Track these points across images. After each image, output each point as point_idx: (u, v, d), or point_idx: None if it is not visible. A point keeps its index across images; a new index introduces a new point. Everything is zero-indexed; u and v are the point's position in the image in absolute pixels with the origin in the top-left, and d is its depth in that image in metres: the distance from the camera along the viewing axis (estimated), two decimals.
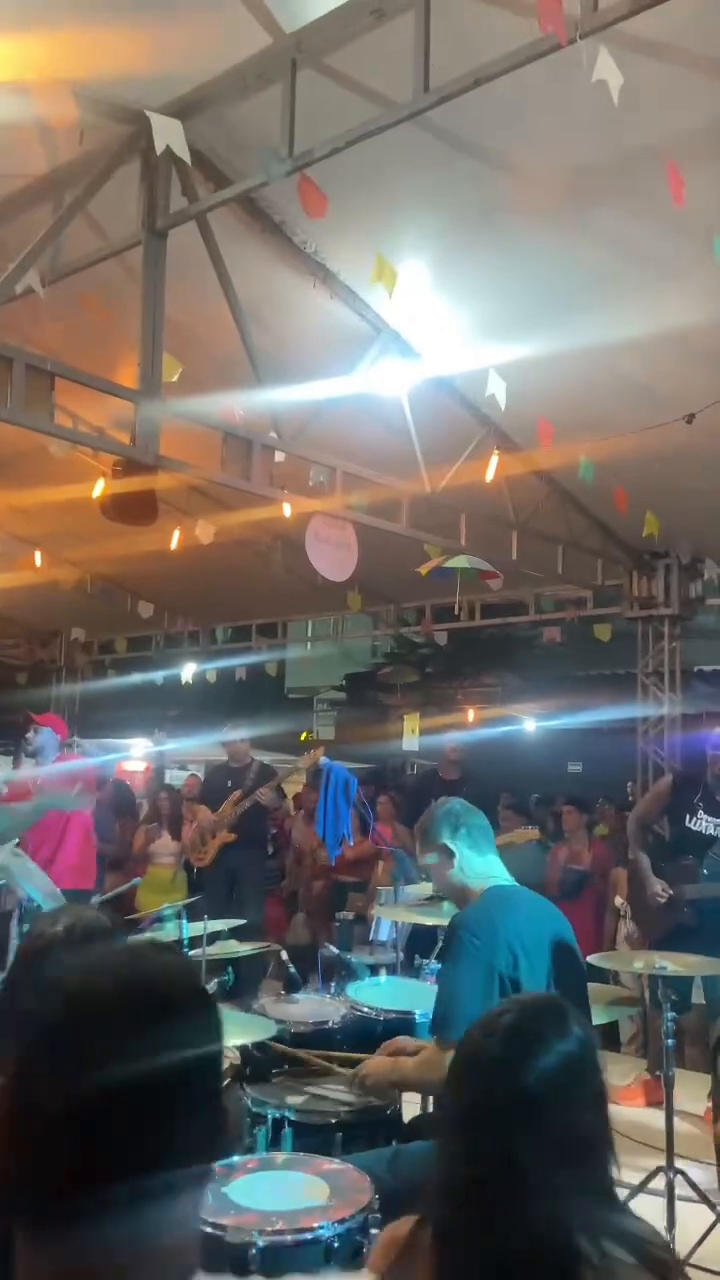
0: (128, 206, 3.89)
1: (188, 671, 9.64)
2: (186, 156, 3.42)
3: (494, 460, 5.19)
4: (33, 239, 3.79)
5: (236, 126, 3.76)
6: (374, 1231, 1.82)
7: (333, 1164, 2.08)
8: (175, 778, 11.64)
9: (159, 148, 3.33)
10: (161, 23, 3.16)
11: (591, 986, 2.64)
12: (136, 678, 10.28)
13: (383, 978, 3.29)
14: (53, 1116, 0.75)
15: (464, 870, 2.41)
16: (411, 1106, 2.91)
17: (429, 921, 3.38)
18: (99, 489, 5.17)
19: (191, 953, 2.58)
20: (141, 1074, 0.77)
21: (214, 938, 2.84)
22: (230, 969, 2.92)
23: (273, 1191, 1.93)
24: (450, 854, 2.40)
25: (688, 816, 4.59)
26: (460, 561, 5.52)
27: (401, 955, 3.81)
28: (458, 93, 2.99)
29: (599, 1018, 2.79)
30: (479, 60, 2.94)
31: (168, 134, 3.30)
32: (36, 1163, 0.75)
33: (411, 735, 8.25)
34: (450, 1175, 1.16)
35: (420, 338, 4.80)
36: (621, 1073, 2.71)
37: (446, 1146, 1.19)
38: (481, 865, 2.41)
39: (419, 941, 4.14)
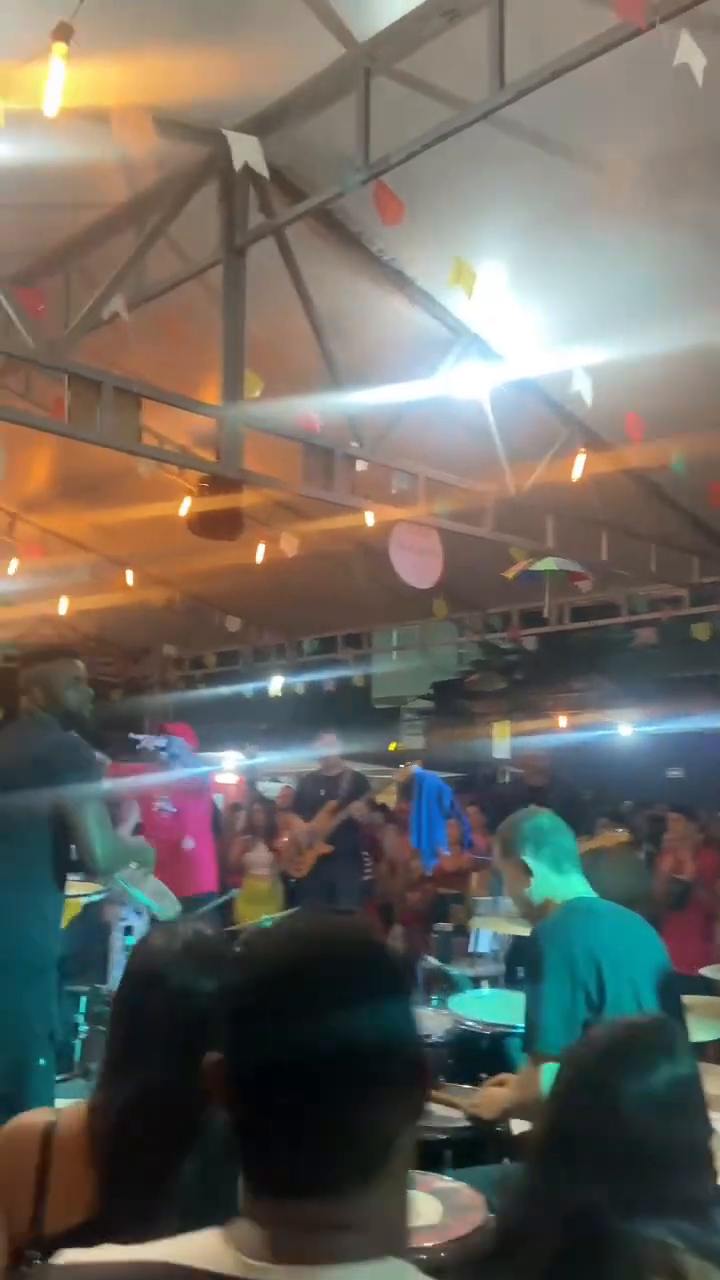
0: (206, 226, 3.95)
1: (276, 684, 9.72)
2: (265, 172, 3.45)
3: (580, 459, 5.08)
4: (115, 265, 3.88)
5: (311, 139, 3.77)
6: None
7: (445, 1182, 2.03)
8: (268, 790, 11.75)
9: (237, 165, 3.37)
10: (235, 41, 3.19)
11: (703, 1000, 2.54)
12: (226, 691, 10.42)
13: (485, 990, 3.23)
14: (268, 1086, 0.80)
15: (540, 888, 2.35)
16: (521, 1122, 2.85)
17: (526, 932, 3.30)
18: (186, 506, 5.28)
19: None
20: (346, 1036, 0.80)
21: None
22: None
23: None
24: (528, 871, 2.34)
25: None
26: (548, 564, 5.43)
27: (504, 966, 3.74)
28: (534, 87, 2.95)
29: (713, 1032, 2.68)
30: (555, 53, 2.89)
31: (246, 151, 3.33)
32: (261, 1126, 0.81)
33: (502, 742, 8.15)
34: (547, 1189, 1.14)
35: (501, 339, 4.74)
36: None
37: (544, 1160, 1.18)
38: (560, 883, 2.34)
39: (521, 953, 4.05)
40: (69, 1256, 0.89)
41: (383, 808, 6.88)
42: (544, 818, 2.47)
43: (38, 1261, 1.34)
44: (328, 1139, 0.80)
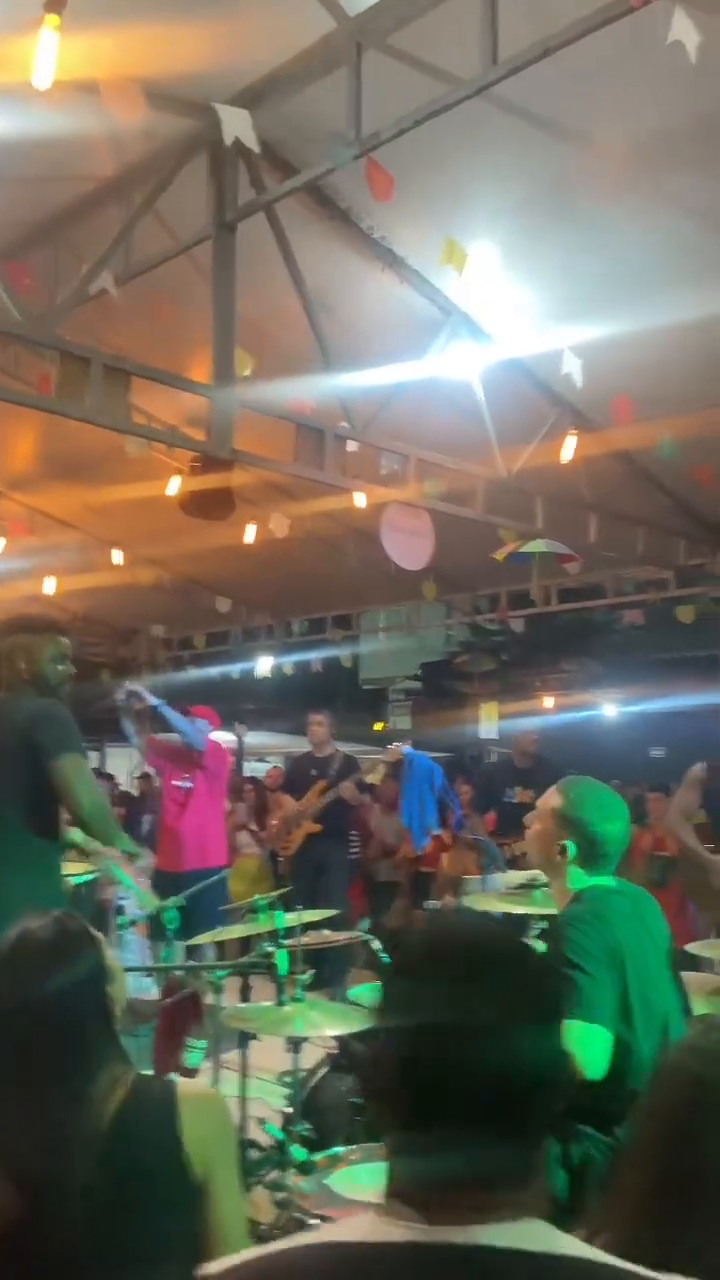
0: (196, 202, 3.91)
1: (264, 664, 9.72)
2: (255, 146, 3.41)
3: (570, 440, 5.08)
4: (103, 240, 3.84)
5: (302, 113, 3.74)
6: None
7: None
8: (255, 769, 11.78)
9: (228, 139, 3.33)
10: (227, 14, 3.15)
11: (693, 976, 2.56)
12: (215, 671, 10.42)
13: None
14: (439, 1087, 0.85)
15: (570, 873, 2.29)
16: None
17: (519, 910, 3.33)
18: (175, 486, 5.25)
19: (286, 942, 2.59)
20: (513, 1039, 0.86)
21: (306, 928, 2.85)
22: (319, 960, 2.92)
23: (376, 1183, 1.92)
24: (563, 852, 2.27)
25: None
26: (537, 546, 5.44)
27: None
28: (527, 64, 2.93)
29: (701, 1008, 2.70)
30: (547, 29, 2.87)
31: (236, 125, 3.30)
32: (424, 1123, 0.86)
33: (490, 723, 8.18)
34: (640, 1190, 1.14)
35: (491, 319, 4.73)
36: None
37: (641, 1153, 1.17)
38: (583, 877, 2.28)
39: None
40: (234, 1261, 0.93)
41: (370, 787, 6.91)
42: (617, 824, 2.32)
43: None
44: (490, 1139, 0.84)
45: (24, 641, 2.99)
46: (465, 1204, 0.84)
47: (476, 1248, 0.82)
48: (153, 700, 5.22)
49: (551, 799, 2.34)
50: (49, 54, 2.44)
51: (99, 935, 1.52)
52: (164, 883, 4.25)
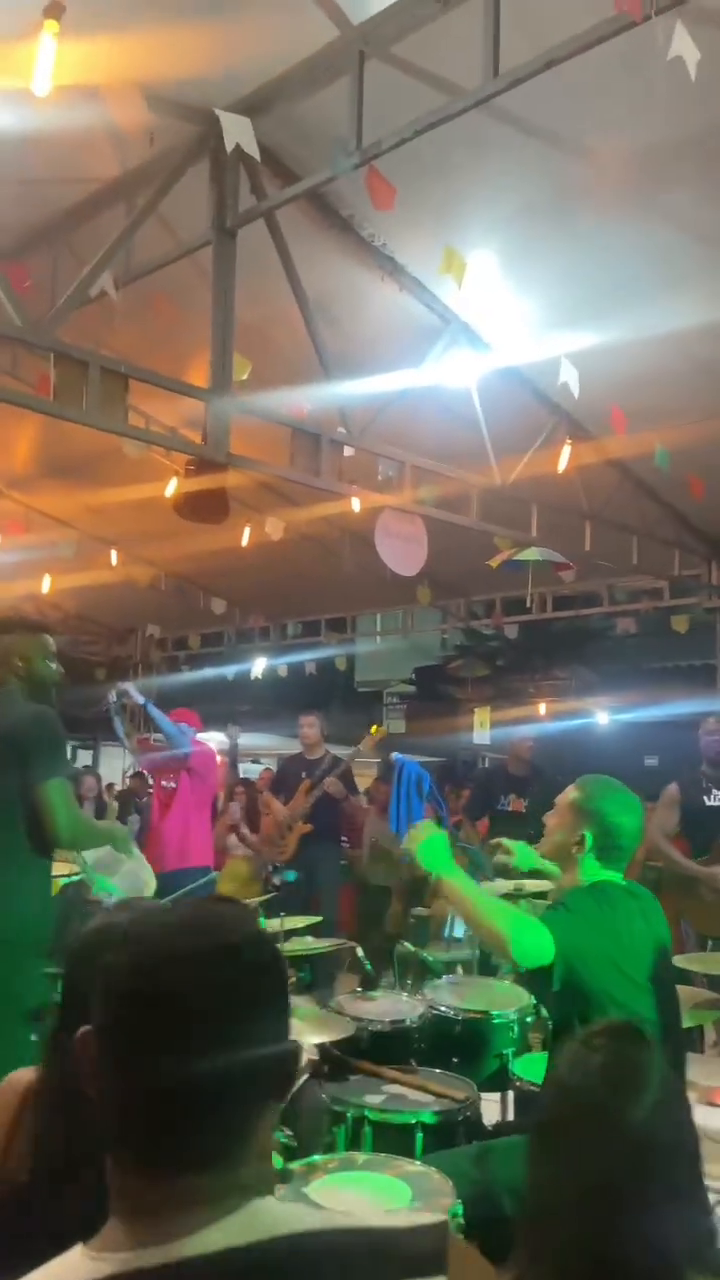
0: (197, 206, 3.92)
1: (258, 666, 9.73)
2: (256, 154, 3.42)
3: (566, 450, 5.10)
4: (104, 242, 3.85)
5: (304, 121, 3.75)
6: (455, 1236, 1.80)
7: (414, 1166, 2.07)
8: (248, 771, 11.77)
9: (229, 146, 3.34)
10: (230, 21, 3.16)
11: (681, 990, 2.57)
12: (209, 672, 10.42)
13: (459, 976, 3.26)
14: (144, 1062, 0.83)
15: (584, 865, 2.33)
16: (491, 1106, 2.89)
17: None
18: (172, 488, 5.26)
19: None
20: (219, 1015, 0.84)
21: (290, 934, 2.86)
22: (307, 965, 2.93)
23: (354, 1193, 1.93)
24: (583, 844, 2.31)
25: (705, 796, 4.85)
26: (532, 554, 5.45)
27: (477, 953, 3.78)
28: (528, 76, 2.94)
29: (688, 1020, 2.72)
30: (549, 42, 2.88)
31: (237, 132, 3.31)
32: (132, 1102, 0.83)
33: (482, 728, 8.18)
34: (548, 1203, 1.14)
35: (489, 328, 4.74)
36: (707, 1073, 2.64)
37: (544, 1176, 1.17)
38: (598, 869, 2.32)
39: None
40: None
41: (351, 783, 6.91)
42: (633, 817, 2.35)
43: None
44: (194, 1116, 0.82)
45: (18, 641, 3.00)
46: (175, 1204, 0.81)
47: (181, 1263, 0.79)
48: (139, 699, 5.27)
49: (569, 793, 2.40)
50: (48, 60, 2.44)
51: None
52: None
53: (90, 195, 4.25)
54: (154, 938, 0.88)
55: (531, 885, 3.10)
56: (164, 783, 5.59)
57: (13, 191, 4.05)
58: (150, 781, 6.38)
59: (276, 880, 5.54)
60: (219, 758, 6.72)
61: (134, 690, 5.35)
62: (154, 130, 3.53)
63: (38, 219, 4.40)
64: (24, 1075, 1.54)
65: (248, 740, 12.34)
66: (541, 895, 3.10)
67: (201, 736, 5.93)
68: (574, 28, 2.83)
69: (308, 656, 9.67)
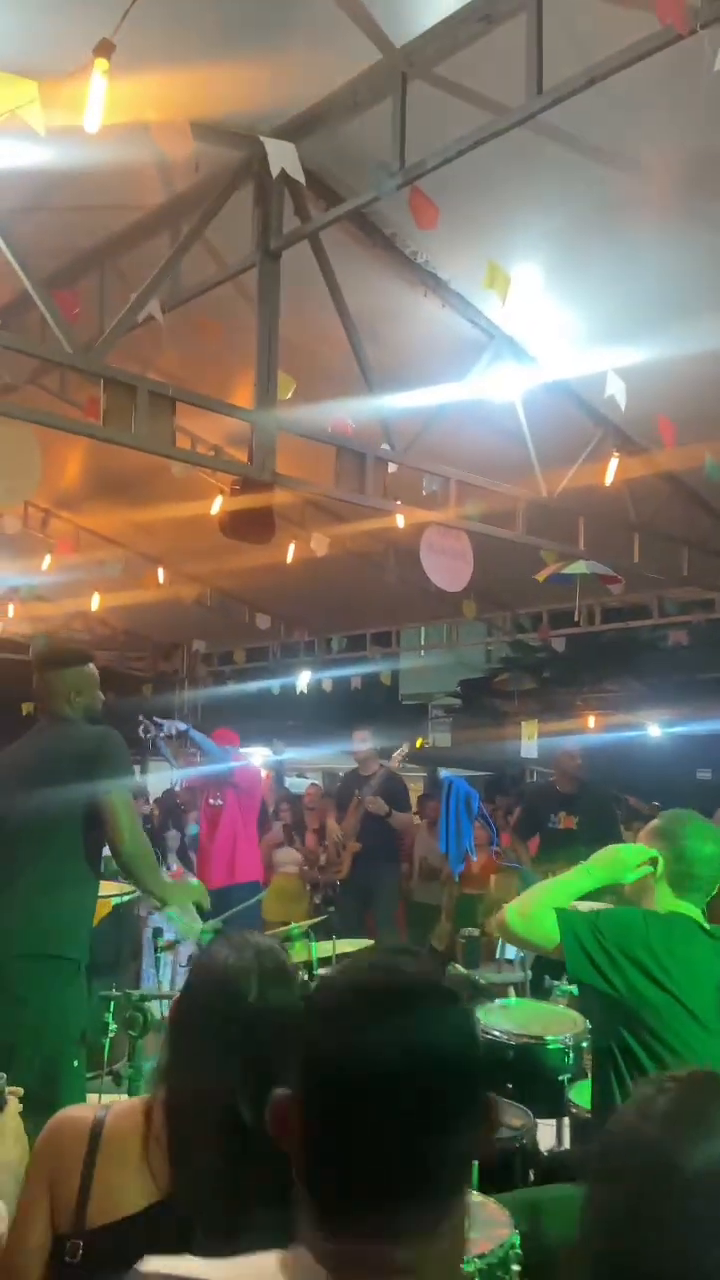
0: (241, 229, 3.96)
1: (303, 681, 9.76)
2: (301, 178, 3.45)
3: (614, 462, 5.05)
4: (150, 266, 3.90)
5: (347, 143, 3.77)
6: (515, 1268, 1.77)
7: (473, 1196, 2.04)
8: (295, 785, 11.80)
9: (274, 171, 3.37)
10: (273, 47, 3.19)
11: None
12: (254, 687, 10.48)
13: (512, 999, 3.22)
14: (354, 1133, 0.83)
15: (658, 893, 2.27)
16: (547, 1132, 2.84)
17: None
18: (217, 506, 5.30)
19: (320, 972, 2.59)
20: (427, 1082, 0.83)
21: (340, 958, 2.85)
22: None
23: None
24: (653, 862, 2.27)
25: None
26: (579, 567, 5.40)
27: (530, 975, 3.73)
28: (572, 93, 2.92)
29: None
30: (594, 58, 2.86)
31: (282, 157, 3.34)
32: (331, 1166, 0.84)
33: (530, 741, 8.11)
34: (604, 1254, 1.10)
35: (534, 341, 4.72)
36: None
37: (598, 1224, 1.13)
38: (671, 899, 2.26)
39: (548, 961, 4.02)
40: (152, 1265, 0.92)
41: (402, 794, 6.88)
42: (712, 846, 2.28)
43: (78, 1251, 1.40)
44: (398, 1182, 0.81)
45: (75, 674, 3.06)
46: (371, 1262, 0.81)
47: None
48: (180, 727, 5.34)
49: (650, 824, 2.38)
50: (99, 97, 2.48)
51: None
52: None
53: (136, 221, 4.31)
54: (353, 1006, 0.88)
55: (584, 907, 3.04)
56: (211, 800, 5.65)
57: (61, 220, 4.12)
58: (183, 799, 6.45)
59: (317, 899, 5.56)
60: (264, 773, 6.77)
61: (168, 723, 5.45)
62: (199, 157, 3.58)
63: (85, 246, 4.47)
64: (88, 1113, 1.54)
65: (293, 755, 12.37)
66: None
67: (246, 751, 6.00)
68: (618, 42, 2.81)
69: (352, 671, 9.69)
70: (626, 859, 2.27)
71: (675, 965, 2.09)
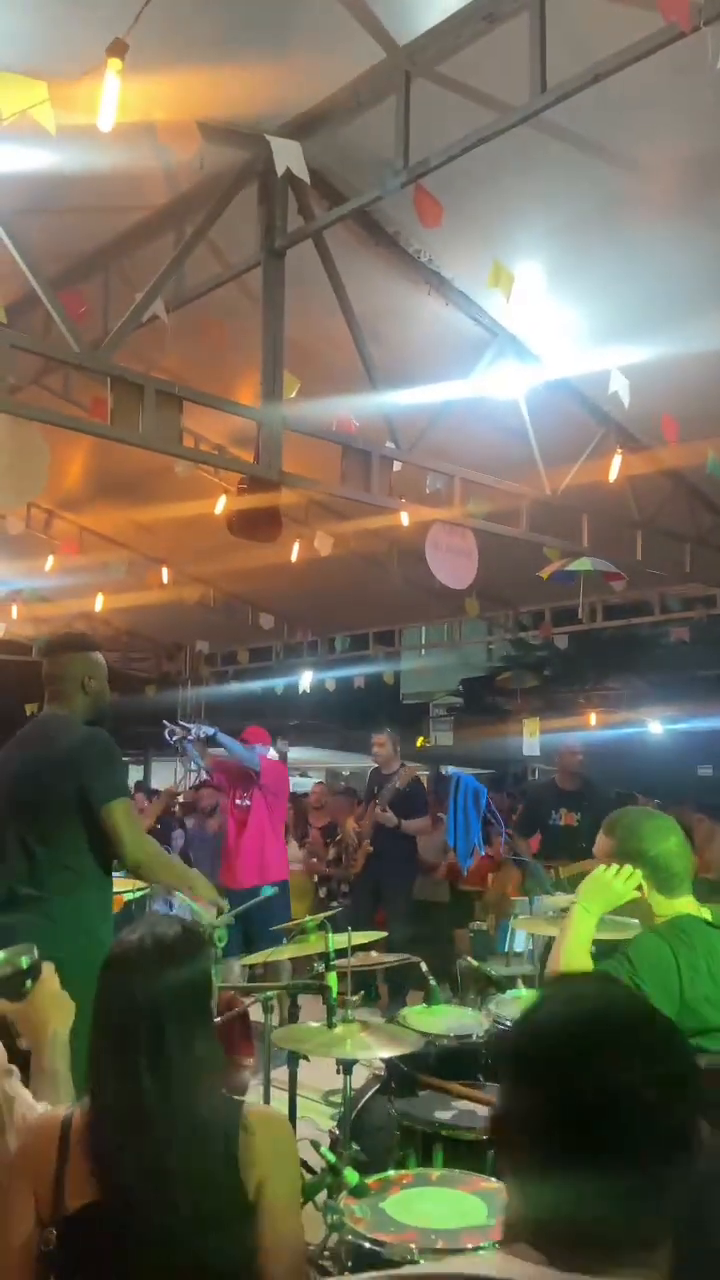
0: (244, 228, 3.98)
1: (306, 680, 9.78)
2: (306, 177, 3.47)
3: (617, 459, 5.07)
4: (154, 265, 3.92)
5: (350, 142, 3.79)
6: None
7: (490, 1182, 2.06)
8: (298, 785, 11.81)
9: (279, 171, 3.39)
10: (278, 47, 3.21)
11: None
12: (257, 686, 10.50)
13: (522, 990, 3.24)
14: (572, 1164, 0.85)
15: (655, 902, 2.27)
16: None
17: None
18: (221, 505, 5.32)
19: (336, 963, 2.61)
20: (647, 1111, 0.86)
21: (356, 950, 2.87)
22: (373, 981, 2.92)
23: (430, 1208, 1.93)
24: (640, 889, 2.26)
25: None
26: (583, 564, 5.42)
27: (538, 967, 3.75)
28: (575, 91, 2.94)
29: None
30: (597, 56, 2.88)
31: (287, 156, 3.36)
32: (549, 1179, 0.86)
33: (532, 739, 8.14)
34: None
35: (537, 339, 4.74)
36: None
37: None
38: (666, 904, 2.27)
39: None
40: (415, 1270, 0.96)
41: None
42: (676, 841, 2.31)
43: (52, 1239, 1.47)
44: (625, 1198, 0.85)
45: (88, 659, 3.07)
46: (588, 1255, 0.85)
47: None
48: (207, 731, 5.35)
49: (603, 845, 2.35)
50: (112, 97, 2.51)
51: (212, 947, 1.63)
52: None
53: (140, 221, 4.33)
54: (570, 1032, 0.91)
55: None
56: (238, 801, 5.67)
57: (67, 220, 4.14)
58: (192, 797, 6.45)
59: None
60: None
61: (196, 727, 5.48)
62: (203, 156, 3.60)
63: (90, 247, 4.49)
64: (60, 1111, 1.60)
65: (296, 754, 12.40)
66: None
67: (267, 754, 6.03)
68: (621, 40, 2.83)
69: (354, 671, 9.71)
70: (615, 884, 2.26)
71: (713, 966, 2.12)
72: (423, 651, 9.95)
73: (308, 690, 9.97)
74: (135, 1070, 1.48)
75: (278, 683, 10.31)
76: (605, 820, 2.39)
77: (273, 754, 6.24)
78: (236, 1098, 1.61)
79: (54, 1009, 1.83)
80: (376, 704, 14.64)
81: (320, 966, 2.68)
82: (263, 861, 5.47)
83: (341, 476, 4.28)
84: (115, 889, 3.09)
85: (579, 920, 2.25)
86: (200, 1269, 1.40)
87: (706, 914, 2.28)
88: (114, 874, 3.03)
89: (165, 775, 12.38)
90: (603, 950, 2.45)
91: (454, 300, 4.55)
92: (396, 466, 4.48)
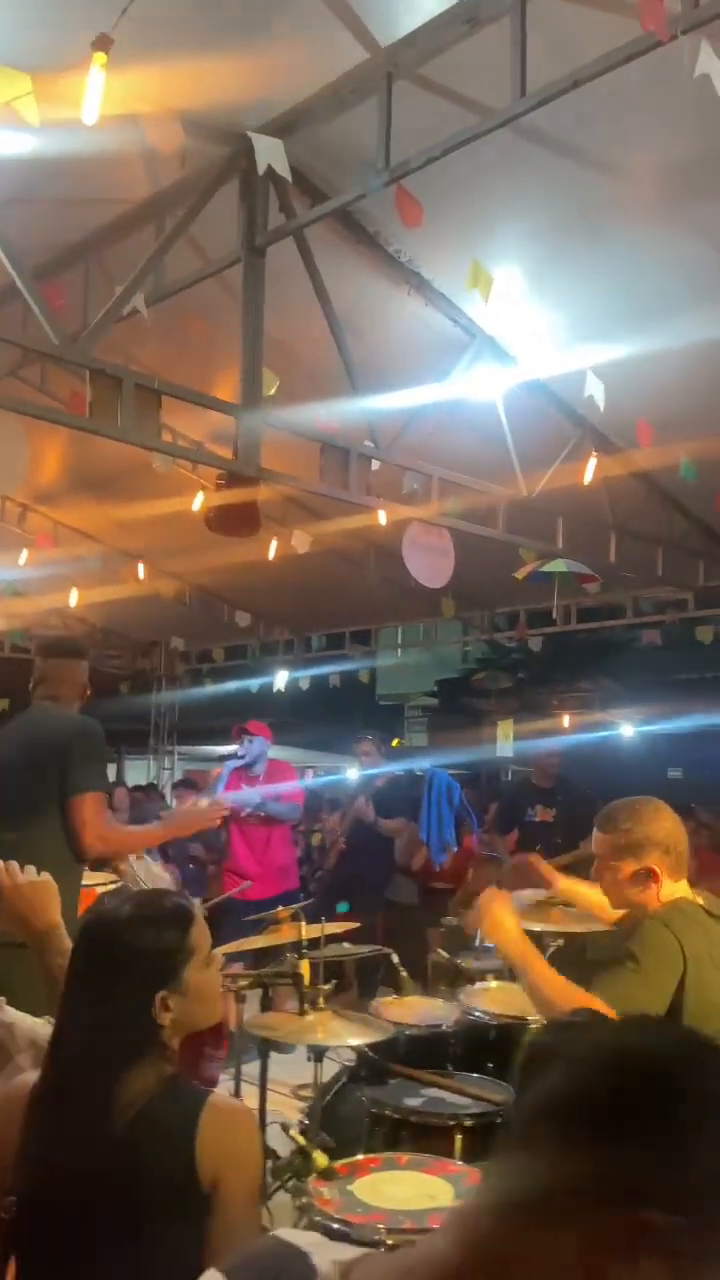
0: (224, 224, 3.99)
1: (281, 679, 9.78)
2: (288, 175, 3.49)
3: (592, 462, 5.13)
4: (134, 259, 3.93)
5: (332, 141, 3.82)
6: None
7: (457, 1166, 2.09)
8: None
9: (261, 168, 3.41)
10: (260, 45, 3.24)
11: None
12: (232, 685, 10.49)
13: (492, 983, 3.28)
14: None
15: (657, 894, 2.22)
16: None
17: (537, 927, 3.34)
18: (199, 502, 5.33)
19: (308, 954, 2.63)
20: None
21: (328, 940, 2.89)
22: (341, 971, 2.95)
23: (397, 1191, 1.96)
24: (650, 876, 2.20)
25: None
26: (558, 565, 5.48)
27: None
28: (555, 95, 2.99)
29: None
30: (577, 62, 2.93)
31: (270, 154, 3.38)
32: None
33: (505, 741, 8.19)
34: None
35: (515, 341, 4.79)
36: None
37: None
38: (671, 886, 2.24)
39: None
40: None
41: None
42: (671, 820, 2.28)
43: (10, 1208, 1.45)
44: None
45: (59, 664, 3.09)
46: None
47: None
48: (251, 803, 5.34)
49: (604, 842, 2.27)
50: (97, 90, 2.52)
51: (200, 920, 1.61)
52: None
53: (121, 214, 4.33)
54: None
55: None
56: (244, 812, 5.68)
57: (47, 212, 4.14)
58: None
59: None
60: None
61: (236, 803, 5.51)
62: (186, 152, 3.61)
63: (70, 239, 4.48)
64: (28, 1079, 1.58)
65: (271, 753, 12.35)
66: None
67: (224, 750, 6.03)
68: (601, 47, 2.88)
69: (329, 669, 9.72)
70: (494, 907, 2.22)
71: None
72: (399, 651, 9.98)
73: (283, 689, 9.97)
74: (93, 1034, 1.46)
75: (253, 682, 10.29)
76: (598, 818, 2.31)
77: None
78: (203, 1089, 1.60)
79: (42, 897, 1.82)
80: (352, 704, 14.68)
81: (293, 956, 2.70)
82: (289, 867, 5.54)
83: (321, 474, 4.30)
84: (86, 882, 3.10)
85: (522, 957, 2.15)
86: (149, 1253, 1.39)
87: (701, 900, 2.27)
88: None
89: (138, 773, 12.33)
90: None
91: (433, 301, 4.59)
92: (375, 466, 4.51)
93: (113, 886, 3.51)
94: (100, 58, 2.47)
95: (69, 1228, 1.41)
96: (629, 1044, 0.84)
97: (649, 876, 2.20)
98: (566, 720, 10.80)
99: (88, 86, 2.52)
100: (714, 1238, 0.73)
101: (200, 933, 1.58)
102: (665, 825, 2.28)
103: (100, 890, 3.41)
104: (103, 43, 2.47)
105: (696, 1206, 0.73)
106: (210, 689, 10.65)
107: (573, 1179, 0.75)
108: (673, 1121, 0.76)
